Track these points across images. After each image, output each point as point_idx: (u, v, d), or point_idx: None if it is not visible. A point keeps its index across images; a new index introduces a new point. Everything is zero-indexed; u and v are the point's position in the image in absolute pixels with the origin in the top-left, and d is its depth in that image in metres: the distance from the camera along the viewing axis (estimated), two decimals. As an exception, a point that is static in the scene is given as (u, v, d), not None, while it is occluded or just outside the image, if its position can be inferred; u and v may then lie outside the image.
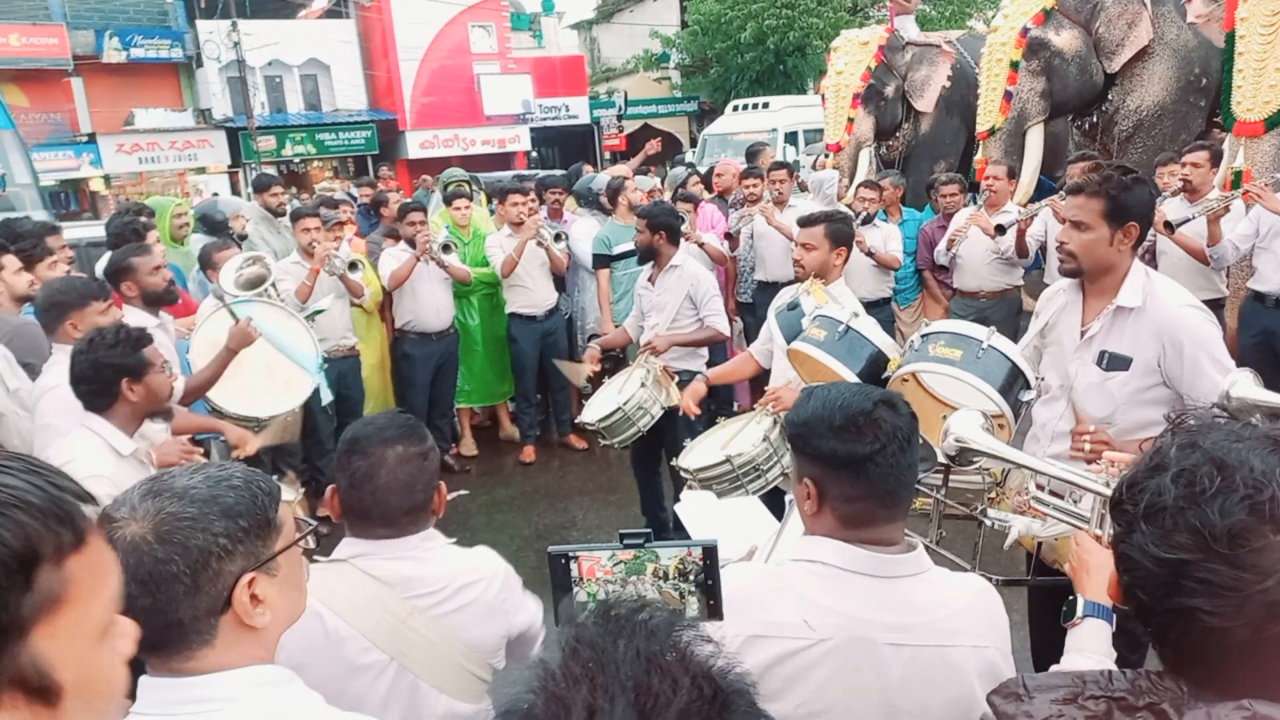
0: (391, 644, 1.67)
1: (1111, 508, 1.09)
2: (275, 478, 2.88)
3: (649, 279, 4.76)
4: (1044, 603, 2.81)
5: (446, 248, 5.97)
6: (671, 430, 4.40)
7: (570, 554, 1.23)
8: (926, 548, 2.80)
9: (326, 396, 5.00)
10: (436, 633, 1.70)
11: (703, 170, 9.02)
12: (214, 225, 6.58)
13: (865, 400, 1.54)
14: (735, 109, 19.79)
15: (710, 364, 4.71)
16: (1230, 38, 6.23)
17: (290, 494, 2.81)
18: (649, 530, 1.25)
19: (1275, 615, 0.91)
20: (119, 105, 22.33)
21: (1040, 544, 2.38)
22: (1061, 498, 2.10)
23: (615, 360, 6.02)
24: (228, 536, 1.20)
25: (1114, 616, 1.60)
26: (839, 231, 3.58)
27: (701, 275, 4.71)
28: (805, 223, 3.65)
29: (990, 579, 2.72)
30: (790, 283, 3.99)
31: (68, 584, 0.81)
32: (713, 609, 1.24)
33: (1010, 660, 1.56)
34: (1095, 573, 1.64)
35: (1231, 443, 0.99)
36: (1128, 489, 1.04)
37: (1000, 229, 5.67)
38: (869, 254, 6.04)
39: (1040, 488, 2.12)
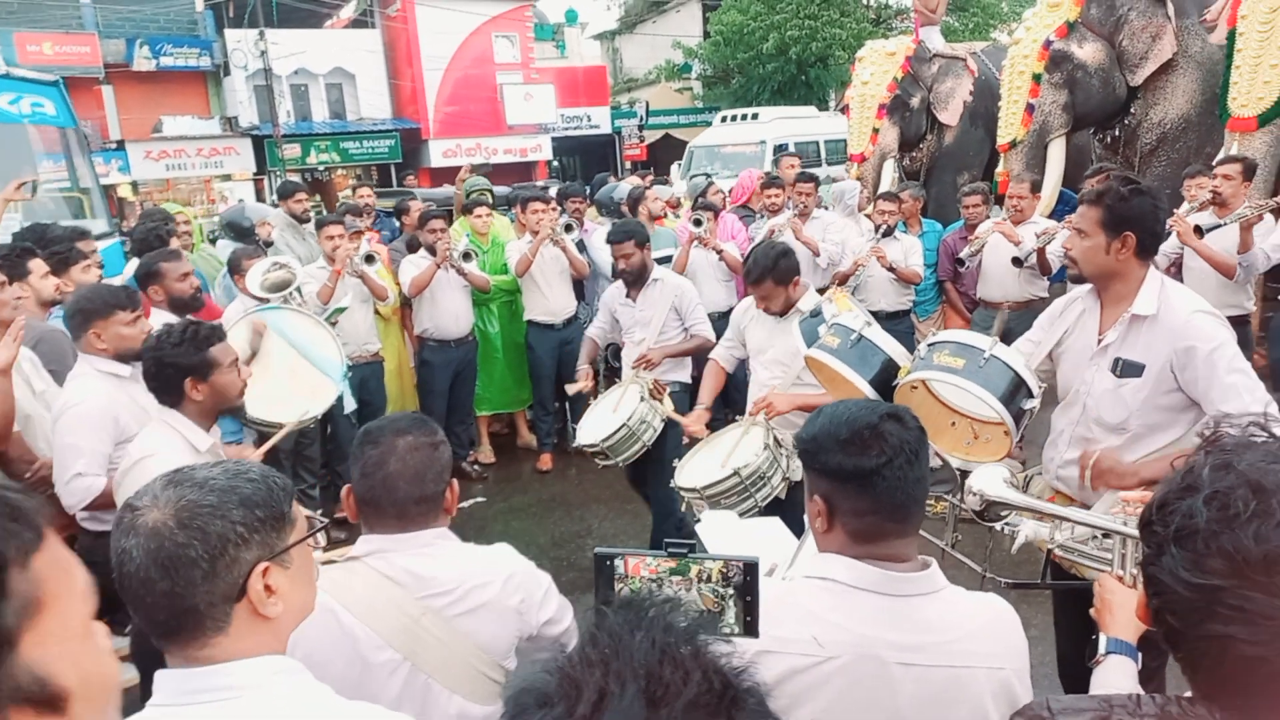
0: (404, 643, 1.68)
1: (1141, 528, 1.05)
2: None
3: (628, 295, 4.76)
4: (1067, 607, 2.80)
5: (467, 256, 6.02)
6: (667, 444, 4.41)
7: (617, 554, 1.25)
8: (942, 550, 2.83)
9: (350, 405, 5.04)
10: (449, 633, 1.72)
11: (690, 183, 9.07)
12: (241, 231, 6.66)
13: (871, 414, 1.55)
14: (724, 120, 19.29)
15: (695, 374, 4.75)
16: (1231, 35, 6.31)
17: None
18: (693, 542, 1.27)
19: None
20: (148, 113, 22.68)
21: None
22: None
23: (607, 374, 6.01)
24: (245, 525, 1.24)
25: (1139, 655, 1.59)
26: (785, 272, 3.70)
27: (684, 286, 4.77)
28: (753, 282, 3.75)
29: (1000, 582, 2.75)
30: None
31: (40, 584, 0.77)
32: (749, 625, 1.24)
33: (1027, 683, 1.54)
34: (1118, 611, 1.63)
35: (1269, 464, 0.95)
36: (1158, 510, 1.01)
37: (1017, 261, 5.67)
38: (890, 269, 6.03)
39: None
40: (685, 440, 4.05)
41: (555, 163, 28.39)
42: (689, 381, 4.81)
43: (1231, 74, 6.33)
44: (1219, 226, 4.94)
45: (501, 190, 9.99)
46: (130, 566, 1.20)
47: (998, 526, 2.42)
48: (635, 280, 4.70)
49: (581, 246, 6.56)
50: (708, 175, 10.55)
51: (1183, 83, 7.59)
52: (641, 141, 27.61)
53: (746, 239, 6.85)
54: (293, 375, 4.11)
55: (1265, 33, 6.15)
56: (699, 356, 4.65)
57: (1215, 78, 7.49)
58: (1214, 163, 5.61)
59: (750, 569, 1.23)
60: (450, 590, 1.73)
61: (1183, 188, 5.75)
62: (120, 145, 22.28)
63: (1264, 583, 0.89)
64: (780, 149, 15.02)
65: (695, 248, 6.39)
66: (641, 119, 28.88)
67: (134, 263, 5.30)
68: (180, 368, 2.58)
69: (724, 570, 1.23)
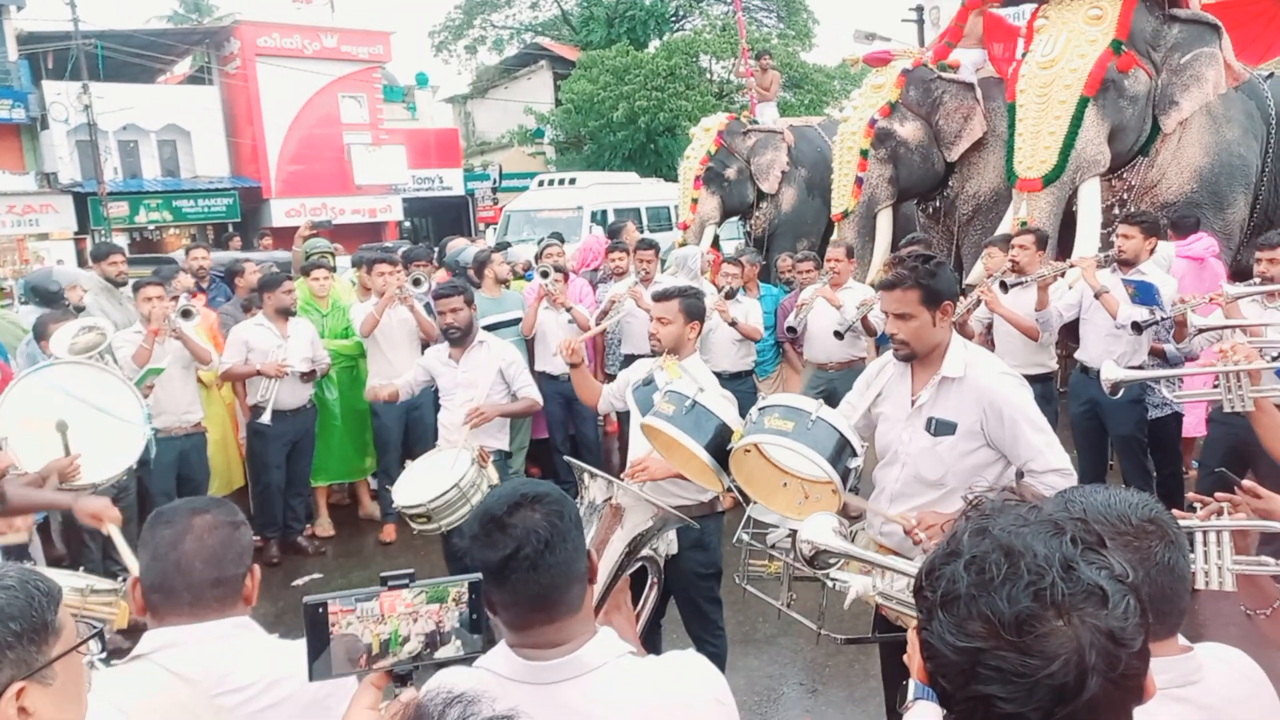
0: (195, 750, 1.52)
1: (915, 594, 1.08)
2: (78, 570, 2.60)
3: (450, 356, 4.72)
4: (893, 658, 2.89)
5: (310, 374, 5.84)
6: None
7: (326, 602, 1.20)
8: (779, 610, 2.88)
9: (154, 449, 4.64)
10: (246, 735, 1.57)
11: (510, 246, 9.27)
12: (47, 296, 6.17)
13: (503, 504, 1.49)
14: (541, 184, 18.60)
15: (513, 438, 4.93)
16: (1011, 107, 7.05)
17: (111, 584, 2.57)
18: (412, 570, 1.24)
19: (1063, 699, 0.92)
20: (-50, 166, 20.88)
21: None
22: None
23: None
24: None
25: None
26: (693, 306, 3.65)
27: (510, 351, 4.81)
28: (660, 297, 3.69)
29: (836, 639, 2.82)
30: (651, 355, 4.03)
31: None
32: (475, 624, 1.27)
33: None
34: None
35: (1018, 528, 1.00)
36: (927, 576, 1.04)
37: (838, 335, 6.03)
38: (733, 323, 6.18)
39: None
40: None
41: (407, 223, 27.93)
42: (507, 450, 4.89)
43: (1015, 141, 7.02)
44: (1022, 284, 5.37)
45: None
46: None
47: (830, 584, 2.49)
48: (461, 338, 4.67)
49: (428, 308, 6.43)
50: (561, 238, 10.62)
51: (993, 159, 8.29)
52: (495, 204, 27.60)
53: (594, 303, 6.90)
54: (90, 431, 3.73)
55: (1041, 104, 6.86)
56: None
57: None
58: (1010, 233, 6.13)
59: (475, 587, 1.26)
60: (246, 686, 1.58)
61: (984, 254, 6.23)
62: (-84, 200, 20.37)
63: (1016, 642, 0.93)
64: (599, 215, 14.98)
65: (544, 308, 6.37)
66: (495, 182, 28.93)
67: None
68: None
69: (456, 593, 1.26)
